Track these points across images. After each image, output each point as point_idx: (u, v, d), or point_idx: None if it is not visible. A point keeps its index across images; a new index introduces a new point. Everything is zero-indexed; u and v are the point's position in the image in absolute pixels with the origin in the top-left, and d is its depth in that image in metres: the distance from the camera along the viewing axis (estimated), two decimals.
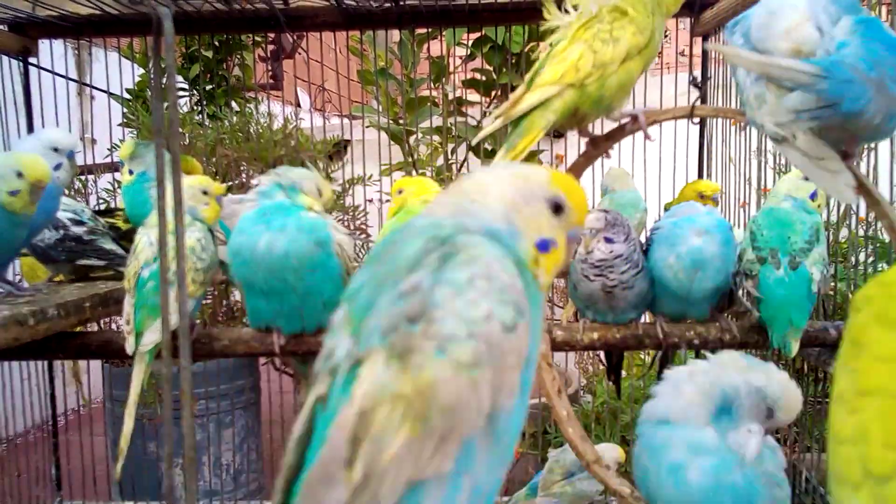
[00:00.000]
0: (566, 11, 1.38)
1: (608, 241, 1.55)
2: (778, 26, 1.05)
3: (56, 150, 1.71)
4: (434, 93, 3.26)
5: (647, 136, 1.41)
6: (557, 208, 0.72)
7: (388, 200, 2.75)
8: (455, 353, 0.59)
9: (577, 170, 1.47)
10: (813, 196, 1.58)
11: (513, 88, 2.97)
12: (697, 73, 1.46)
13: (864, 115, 0.98)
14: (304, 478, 0.59)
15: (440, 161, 3.12)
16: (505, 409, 0.62)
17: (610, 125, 1.47)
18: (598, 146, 1.45)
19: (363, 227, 2.98)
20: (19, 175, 1.45)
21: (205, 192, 1.59)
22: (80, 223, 1.85)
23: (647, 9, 1.31)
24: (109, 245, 1.87)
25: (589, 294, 1.60)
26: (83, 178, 2.74)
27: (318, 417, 0.64)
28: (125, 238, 1.87)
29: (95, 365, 3.46)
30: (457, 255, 0.63)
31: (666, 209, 1.97)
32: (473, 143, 1.47)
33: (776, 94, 1.03)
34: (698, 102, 1.38)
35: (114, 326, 2.64)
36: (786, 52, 1.03)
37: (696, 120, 1.39)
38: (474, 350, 0.59)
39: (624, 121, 1.41)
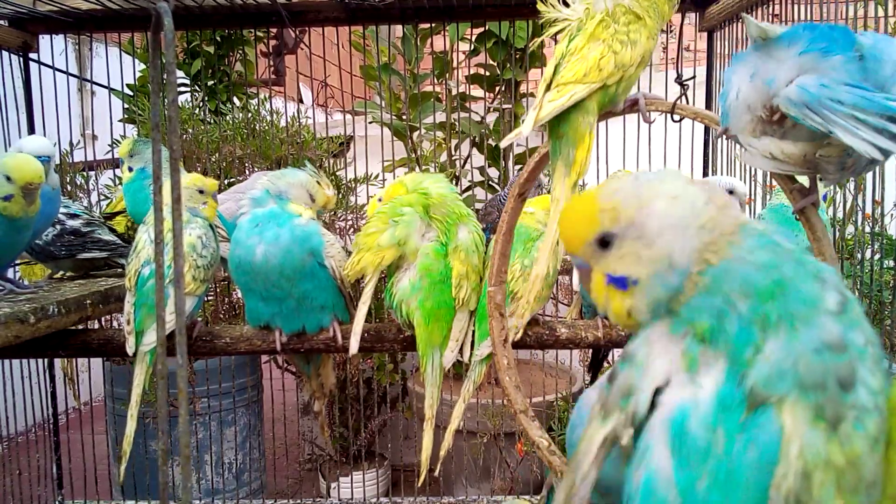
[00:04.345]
0: (566, 4, 1.35)
1: None
2: None
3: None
4: (437, 88, 3.24)
5: (646, 119, 1.36)
6: None
7: None
8: (869, 426, 0.58)
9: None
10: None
11: (517, 84, 3.00)
12: (687, 70, 1.43)
13: None
14: None
15: (444, 157, 3.11)
16: None
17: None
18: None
19: None
20: (8, 179, 1.44)
21: (201, 192, 1.60)
22: (74, 216, 1.83)
23: (656, 13, 1.28)
24: (108, 236, 1.86)
25: None
26: (84, 173, 2.73)
27: (620, 463, 0.63)
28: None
29: (96, 363, 3.45)
30: (851, 308, 0.61)
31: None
32: (503, 145, 1.42)
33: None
34: (682, 101, 1.34)
35: (115, 324, 2.63)
36: None
37: (677, 118, 1.35)
38: (878, 424, 0.58)
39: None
